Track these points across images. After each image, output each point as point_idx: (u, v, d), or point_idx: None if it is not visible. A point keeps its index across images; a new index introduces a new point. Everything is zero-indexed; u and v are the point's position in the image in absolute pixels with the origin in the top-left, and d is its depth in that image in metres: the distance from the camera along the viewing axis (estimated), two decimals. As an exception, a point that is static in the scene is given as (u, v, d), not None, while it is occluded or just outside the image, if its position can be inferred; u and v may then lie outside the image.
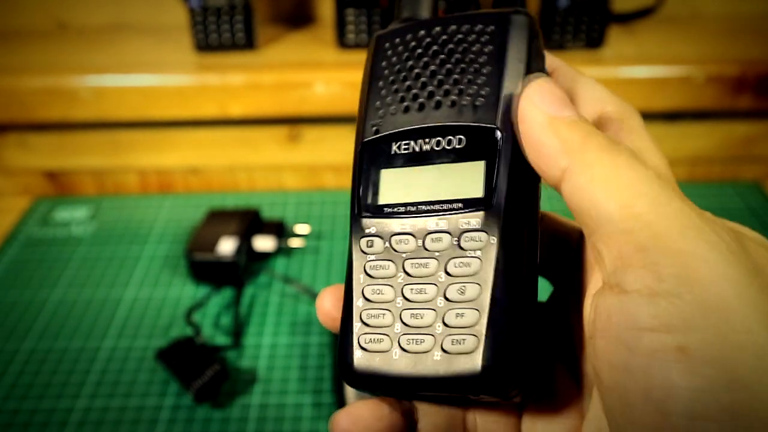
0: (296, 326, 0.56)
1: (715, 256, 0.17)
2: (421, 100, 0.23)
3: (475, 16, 0.24)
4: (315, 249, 0.65)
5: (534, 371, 0.22)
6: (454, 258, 0.22)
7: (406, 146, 0.23)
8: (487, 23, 0.23)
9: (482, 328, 0.21)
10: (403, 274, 0.22)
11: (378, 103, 0.24)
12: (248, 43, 0.72)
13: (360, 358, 0.22)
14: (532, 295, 0.22)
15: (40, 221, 0.70)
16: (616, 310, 0.18)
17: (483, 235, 0.21)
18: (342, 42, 0.72)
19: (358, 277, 0.23)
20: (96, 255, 0.65)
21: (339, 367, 0.23)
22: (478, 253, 0.21)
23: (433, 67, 0.24)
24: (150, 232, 0.68)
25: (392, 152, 0.23)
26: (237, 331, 0.55)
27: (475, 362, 0.21)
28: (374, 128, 0.24)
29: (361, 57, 0.70)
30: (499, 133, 0.22)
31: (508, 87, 0.22)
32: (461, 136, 0.23)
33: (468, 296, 0.21)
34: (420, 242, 0.22)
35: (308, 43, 0.75)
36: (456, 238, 0.22)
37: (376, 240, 0.23)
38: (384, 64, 0.25)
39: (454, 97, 0.23)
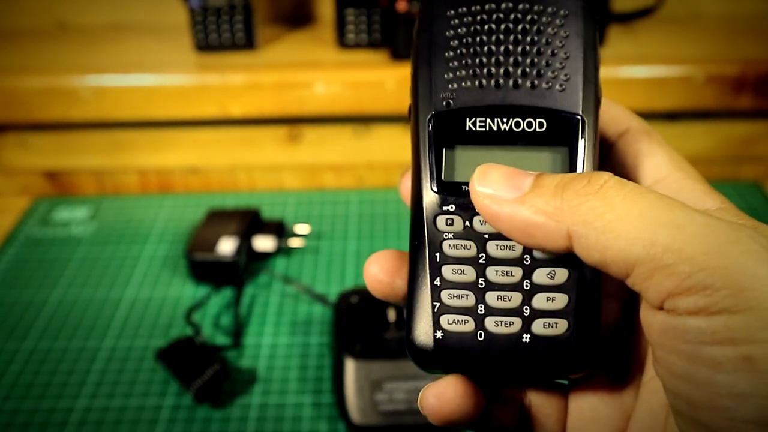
0: (296, 326, 0.56)
1: (758, 264, 0.17)
2: (497, 78, 0.23)
3: None
4: (315, 249, 0.65)
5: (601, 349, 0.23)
6: None
7: (482, 123, 0.23)
8: (558, 6, 0.23)
9: (572, 311, 0.21)
10: (485, 255, 0.22)
11: (448, 74, 0.23)
12: (248, 43, 0.72)
13: (441, 339, 0.22)
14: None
15: (40, 221, 0.70)
16: (671, 329, 0.18)
17: None
18: (342, 42, 0.72)
19: (434, 256, 0.22)
20: (96, 255, 0.65)
21: (410, 348, 0.23)
22: None
23: (508, 45, 0.23)
24: (150, 232, 0.68)
25: (467, 128, 0.23)
26: (237, 331, 0.55)
27: (568, 345, 0.21)
28: (445, 101, 0.23)
29: (361, 57, 0.70)
30: (582, 121, 0.22)
31: (587, 75, 0.23)
32: (542, 120, 0.22)
33: (558, 281, 0.22)
34: None
35: (308, 43, 0.75)
36: None
37: (456, 218, 0.23)
38: (449, 33, 0.23)
39: (533, 80, 0.23)
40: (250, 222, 0.62)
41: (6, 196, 0.76)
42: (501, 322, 0.22)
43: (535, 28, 0.23)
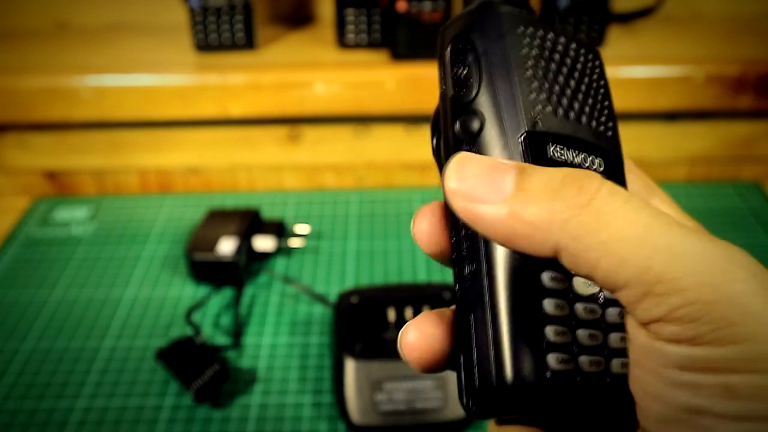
0: (296, 326, 0.56)
1: (751, 299, 0.17)
2: (568, 109, 0.22)
3: (577, 39, 0.24)
4: (315, 249, 0.65)
5: None
6: None
7: (561, 152, 0.22)
8: (588, 50, 0.24)
9: None
10: (572, 290, 0.21)
11: (532, 95, 0.22)
12: (248, 43, 0.72)
13: (551, 379, 0.19)
14: None
15: (40, 221, 0.70)
16: (651, 351, 0.18)
17: None
18: (342, 42, 0.72)
19: (529, 286, 0.20)
20: (96, 255, 0.65)
21: (492, 389, 0.20)
22: None
23: (569, 80, 0.23)
24: (150, 232, 0.68)
25: (548, 155, 0.21)
26: (237, 331, 0.55)
27: None
28: (533, 121, 0.21)
29: (361, 57, 0.70)
30: (623, 166, 0.23)
31: (616, 124, 0.23)
32: (601, 160, 0.22)
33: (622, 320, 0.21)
34: None
35: (308, 43, 0.75)
36: None
37: None
38: (524, 52, 0.22)
39: (592, 120, 0.23)
40: (250, 222, 0.62)
41: (6, 196, 0.76)
42: (594, 361, 0.20)
43: (584, 69, 0.23)
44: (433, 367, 0.22)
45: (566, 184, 0.18)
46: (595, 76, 0.23)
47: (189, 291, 0.60)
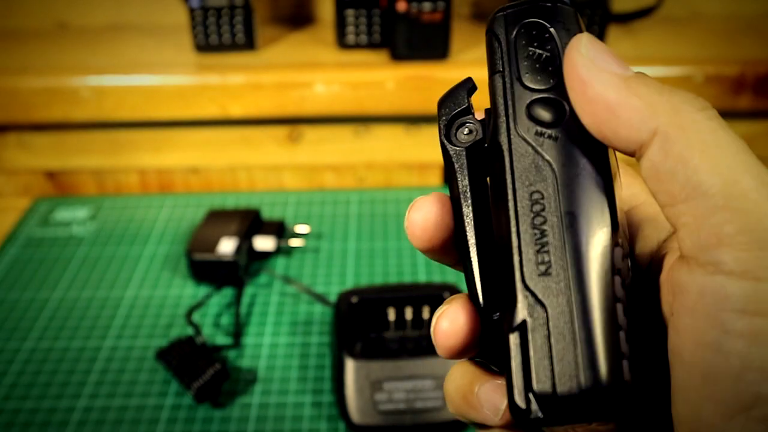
0: (296, 326, 0.56)
1: None
2: None
3: None
4: (315, 249, 0.65)
5: None
6: None
7: None
8: None
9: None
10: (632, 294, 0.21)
11: None
12: (248, 44, 0.72)
13: (627, 386, 0.18)
14: None
15: (40, 221, 0.70)
16: (710, 290, 0.17)
17: None
18: (342, 42, 0.72)
19: (611, 291, 0.19)
20: (96, 255, 0.65)
21: (585, 391, 0.18)
22: None
23: None
24: (150, 232, 0.68)
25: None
26: (237, 331, 0.55)
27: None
28: None
29: (361, 57, 0.71)
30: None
31: None
32: None
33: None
34: None
35: (308, 43, 0.75)
36: None
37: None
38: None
39: None
40: (250, 222, 0.62)
41: (6, 196, 0.76)
42: (631, 365, 0.19)
43: None
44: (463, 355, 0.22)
45: (675, 91, 0.18)
46: None
47: (189, 291, 0.60)
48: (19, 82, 0.68)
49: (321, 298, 0.58)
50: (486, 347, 0.22)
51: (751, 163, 0.17)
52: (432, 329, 0.22)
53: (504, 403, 0.22)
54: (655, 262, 0.21)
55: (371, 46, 0.71)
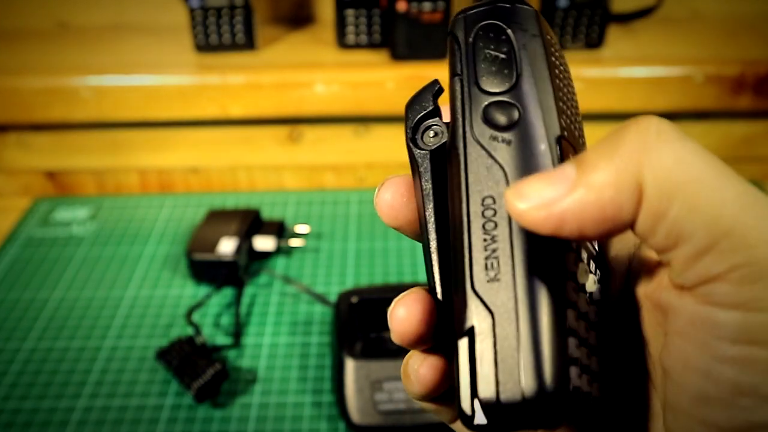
0: (296, 326, 0.56)
1: None
2: (576, 125, 0.22)
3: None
4: (315, 249, 0.65)
5: None
6: None
7: None
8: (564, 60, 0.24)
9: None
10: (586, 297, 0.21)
11: (560, 102, 0.21)
12: (248, 44, 0.72)
13: (573, 392, 0.18)
14: None
15: (41, 221, 0.70)
16: (701, 318, 0.17)
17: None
18: (342, 42, 0.72)
19: (554, 290, 0.19)
20: (96, 255, 0.65)
21: (529, 398, 0.18)
22: None
23: (573, 96, 0.22)
24: (150, 232, 0.68)
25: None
26: (237, 331, 0.55)
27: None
28: (563, 128, 0.20)
29: (361, 57, 0.71)
30: None
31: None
32: None
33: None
34: None
35: (308, 43, 0.75)
36: None
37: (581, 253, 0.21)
38: (553, 58, 0.21)
39: (581, 135, 0.23)
40: (250, 222, 0.62)
41: (6, 196, 0.76)
42: (588, 374, 0.19)
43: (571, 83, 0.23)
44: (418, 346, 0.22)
45: (621, 132, 0.17)
46: (576, 98, 0.23)
47: (189, 291, 0.60)
48: (19, 82, 0.68)
49: (321, 298, 0.58)
50: (441, 340, 0.22)
51: (726, 187, 0.16)
52: (389, 314, 0.22)
53: (431, 379, 0.22)
54: (634, 265, 0.21)
55: (371, 46, 0.71)
